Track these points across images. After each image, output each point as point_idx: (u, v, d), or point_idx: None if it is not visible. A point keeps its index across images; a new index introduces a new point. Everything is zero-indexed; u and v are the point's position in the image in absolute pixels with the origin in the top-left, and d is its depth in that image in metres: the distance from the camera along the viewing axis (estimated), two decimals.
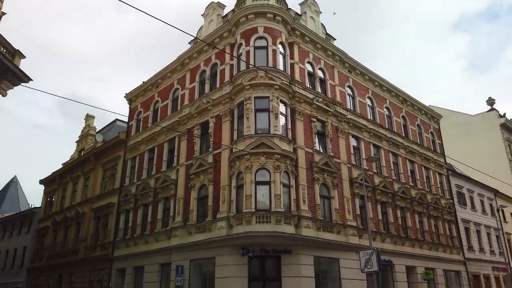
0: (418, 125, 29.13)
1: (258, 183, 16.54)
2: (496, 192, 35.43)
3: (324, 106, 20.51)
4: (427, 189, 26.91)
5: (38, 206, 37.14)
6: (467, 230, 29.92)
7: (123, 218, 24.21)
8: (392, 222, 22.38)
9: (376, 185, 22.15)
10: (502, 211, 33.96)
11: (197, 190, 19.37)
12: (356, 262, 17.46)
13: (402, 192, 23.79)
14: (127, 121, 28.41)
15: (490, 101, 45.88)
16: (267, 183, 16.48)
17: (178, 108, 22.83)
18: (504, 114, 44.58)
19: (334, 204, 19.16)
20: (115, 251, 23.82)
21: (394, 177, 24.21)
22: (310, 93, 20.18)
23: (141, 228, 22.39)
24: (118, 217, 24.52)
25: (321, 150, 19.86)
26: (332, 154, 20.13)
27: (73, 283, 26.72)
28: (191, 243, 18.08)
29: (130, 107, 28.19)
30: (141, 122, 26.28)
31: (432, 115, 31.50)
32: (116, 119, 33.88)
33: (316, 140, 19.81)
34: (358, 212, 20.39)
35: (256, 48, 18.92)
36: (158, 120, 24.33)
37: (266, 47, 18.91)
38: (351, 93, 23.68)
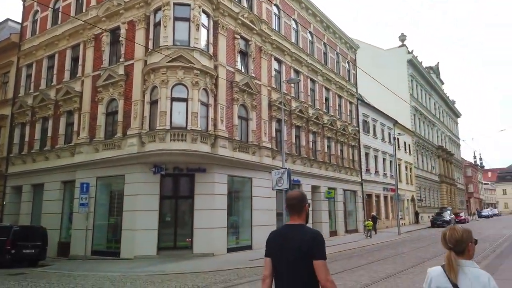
0: (337, 53, 29.69)
1: (174, 99, 15.51)
2: (395, 122, 39.09)
3: (249, 23, 19.39)
4: (338, 116, 28.42)
5: None
6: (367, 155, 32.99)
7: (18, 132, 21.68)
8: (304, 146, 23.44)
9: (293, 109, 22.57)
10: (398, 139, 37.86)
11: (106, 104, 17.69)
12: (268, 182, 18.13)
13: (315, 117, 24.73)
14: (20, 21, 24.18)
15: (402, 37, 48.49)
16: (184, 100, 15.54)
17: (84, 10, 19.77)
18: (412, 51, 47.77)
19: (252, 125, 19.14)
20: (9, 167, 21.53)
21: (310, 103, 24.88)
22: (236, 7, 18.77)
23: (40, 143, 20.30)
24: (12, 131, 21.83)
25: (243, 70, 19.19)
26: (254, 75, 19.62)
27: None
28: (98, 160, 16.89)
29: (24, 5, 23.82)
30: (38, 23, 22.54)
31: (351, 45, 32.25)
32: (8, 19, 28.71)
33: (238, 59, 18.98)
34: (273, 134, 20.79)
35: None
36: (59, 23, 20.97)
37: None
38: (277, 12, 22.71)
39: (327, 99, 27.37)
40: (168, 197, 16.33)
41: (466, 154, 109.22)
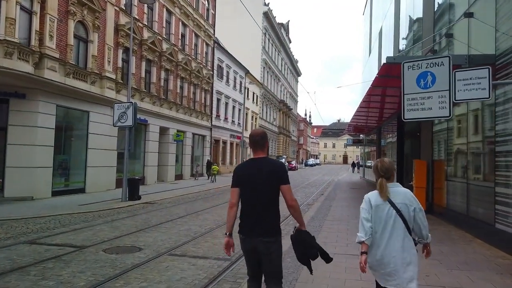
0: None
1: None
2: (247, 72, 39.81)
3: None
4: (194, 57, 26.93)
5: None
6: (218, 101, 32.82)
7: None
8: (154, 82, 21.39)
9: (145, 39, 20.04)
10: (248, 89, 38.89)
11: None
12: (109, 117, 15.90)
13: (169, 53, 22.72)
14: None
15: None
16: None
17: None
18: (269, 3, 48.70)
19: (92, 49, 16.08)
20: None
21: (165, 36, 22.62)
22: None
23: None
24: None
25: None
26: None
27: None
28: None
29: None
30: None
31: None
32: None
33: None
34: (119, 65, 18.13)
35: None
36: None
37: None
38: None
39: (183, 36, 25.43)
40: None
41: (301, 110, 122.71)
